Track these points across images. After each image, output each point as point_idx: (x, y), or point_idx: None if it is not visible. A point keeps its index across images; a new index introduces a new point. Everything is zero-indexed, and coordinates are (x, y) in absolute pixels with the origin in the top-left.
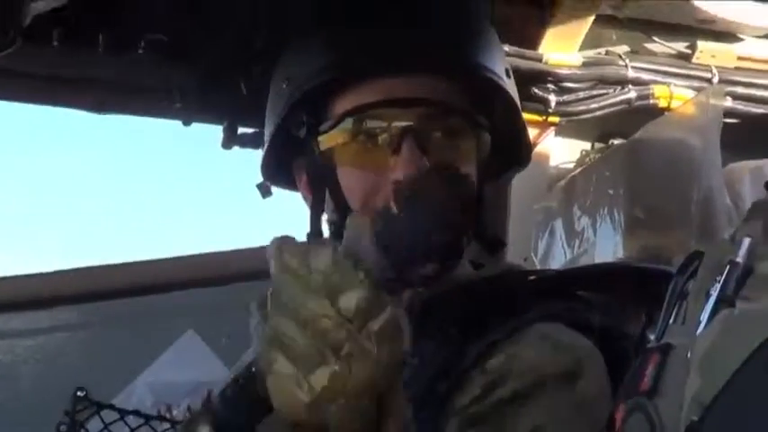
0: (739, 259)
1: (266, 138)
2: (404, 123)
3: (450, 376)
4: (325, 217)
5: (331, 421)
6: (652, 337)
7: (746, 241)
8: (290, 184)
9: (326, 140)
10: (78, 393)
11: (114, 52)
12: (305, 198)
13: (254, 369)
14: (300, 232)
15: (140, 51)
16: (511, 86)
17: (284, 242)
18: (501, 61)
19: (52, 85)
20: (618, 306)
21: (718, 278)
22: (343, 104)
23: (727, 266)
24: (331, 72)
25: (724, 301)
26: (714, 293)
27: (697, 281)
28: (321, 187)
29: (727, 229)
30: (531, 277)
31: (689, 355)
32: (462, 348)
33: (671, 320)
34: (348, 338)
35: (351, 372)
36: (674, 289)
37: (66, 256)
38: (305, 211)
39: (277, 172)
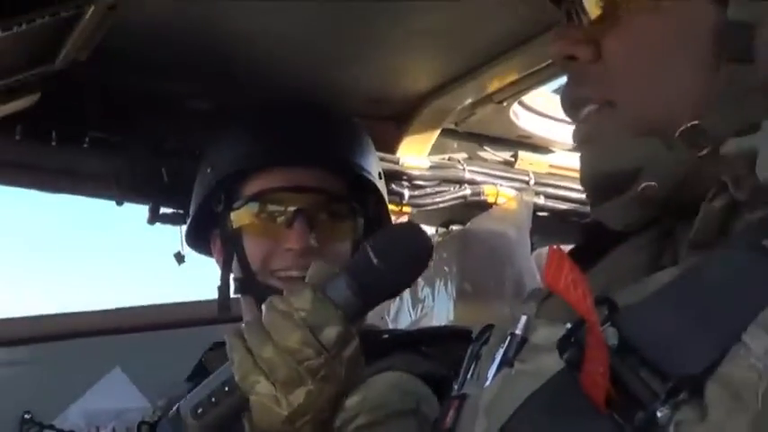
0: (518, 331)
1: (191, 211)
2: (297, 206)
3: None
4: (232, 276)
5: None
6: (456, 386)
7: (524, 318)
8: (207, 249)
9: (237, 217)
10: (25, 416)
11: (64, 145)
12: (217, 260)
13: (227, 388)
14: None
15: (85, 146)
16: (381, 185)
17: None
18: (376, 164)
19: (15, 170)
20: (449, 360)
21: (502, 345)
22: (251, 188)
23: (509, 336)
24: (242, 162)
25: (505, 363)
26: (498, 357)
27: (488, 346)
28: (231, 252)
29: None
30: (385, 336)
31: (479, 403)
32: None
33: (468, 376)
34: (325, 364)
35: (323, 391)
36: (471, 352)
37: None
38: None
39: (197, 239)
